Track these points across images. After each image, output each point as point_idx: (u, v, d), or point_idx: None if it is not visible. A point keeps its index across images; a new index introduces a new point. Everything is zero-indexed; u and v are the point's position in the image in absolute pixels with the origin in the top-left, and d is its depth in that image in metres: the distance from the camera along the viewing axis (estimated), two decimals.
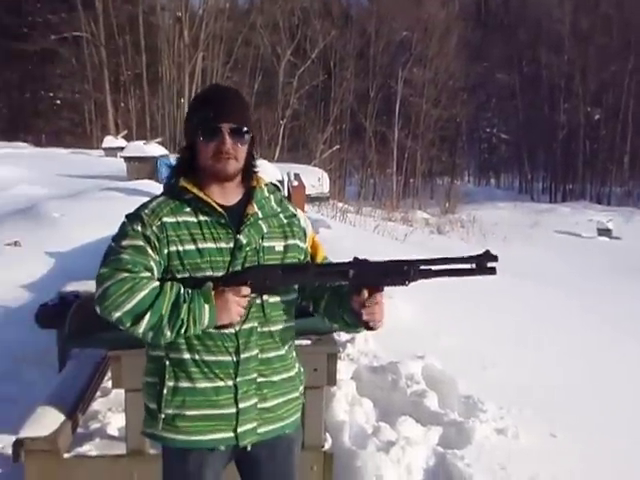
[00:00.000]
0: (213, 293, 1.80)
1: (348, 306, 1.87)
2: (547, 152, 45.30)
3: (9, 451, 2.96)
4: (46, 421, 2.96)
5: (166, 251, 1.84)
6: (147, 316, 1.75)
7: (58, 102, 37.43)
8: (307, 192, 12.43)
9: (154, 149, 17.25)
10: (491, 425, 3.70)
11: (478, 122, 49.60)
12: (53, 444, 2.88)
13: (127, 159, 16.70)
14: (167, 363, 1.88)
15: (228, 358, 1.86)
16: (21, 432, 2.91)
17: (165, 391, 1.87)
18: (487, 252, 1.76)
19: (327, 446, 3.35)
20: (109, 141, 23.79)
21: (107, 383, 3.77)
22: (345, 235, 9.76)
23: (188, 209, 1.88)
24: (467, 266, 1.75)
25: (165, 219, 1.85)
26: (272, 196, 2.01)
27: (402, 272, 1.77)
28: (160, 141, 19.48)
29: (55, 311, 3.96)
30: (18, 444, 2.86)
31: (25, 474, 2.91)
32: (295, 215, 2.05)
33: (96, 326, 3.16)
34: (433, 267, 1.78)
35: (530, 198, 41.39)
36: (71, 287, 4.39)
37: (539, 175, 47.82)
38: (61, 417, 3.01)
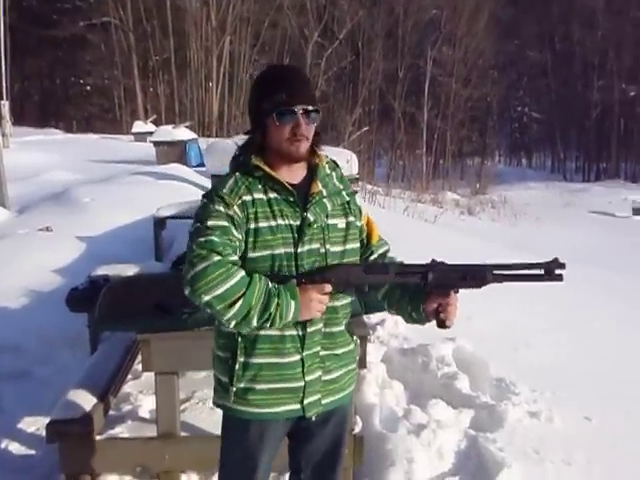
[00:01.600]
0: (298, 289, 1.83)
1: (420, 304, 1.93)
2: (580, 131, 44.51)
3: (43, 433, 3.01)
4: (78, 403, 2.99)
5: (246, 228, 1.87)
6: (238, 304, 1.77)
7: (88, 88, 37.78)
8: None
9: (183, 133, 17.32)
10: (524, 408, 3.65)
11: (509, 101, 48.86)
12: (86, 426, 2.91)
13: (156, 143, 16.80)
14: (239, 339, 1.91)
15: (294, 332, 1.91)
16: (54, 414, 2.95)
17: (237, 366, 1.92)
18: (555, 259, 1.83)
19: (357, 429, 3.33)
20: (138, 126, 23.96)
21: (138, 366, 3.80)
22: (375, 217, 9.69)
23: (259, 186, 1.91)
24: (536, 272, 1.83)
25: (245, 197, 1.88)
26: (334, 173, 2.03)
27: (480, 277, 1.86)
28: (189, 125, 19.54)
29: (85, 295, 3.99)
30: (51, 426, 2.90)
31: (59, 455, 2.95)
32: (356, 192, 2.09)
33: (125, 310, 3.19)
34: (505, 272, 1.86)
35: (563, 178, 40.81)
36: (101, 271, 4.42)
37: (572, 154, 47.06)
38: (93, 400, 3.04)
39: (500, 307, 5.27)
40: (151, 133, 19.23)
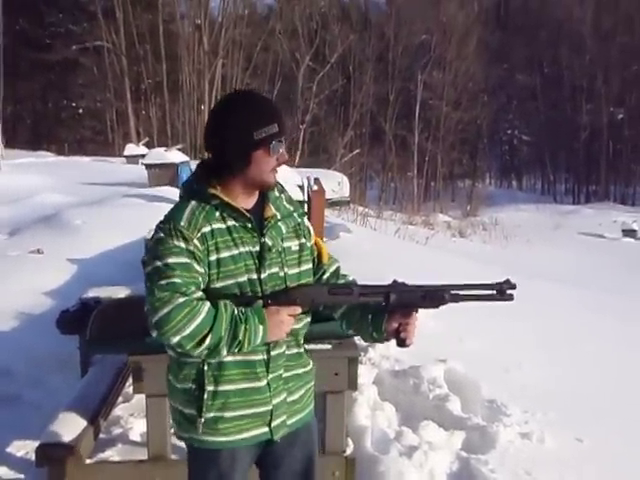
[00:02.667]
0: (265, 312, 1.85)
1: (381, 323, 1.96)
2: (569, 153, 44.86)
3: (32, 457, 2.98)
4: (68, 427, 2.98)
5: (207, 261, 1.85)
6: (207, 339, 1.78)
7: (80, 111, 37.86)
8: (327, 197, 12.35)
9: (175, 156, 17.34)
10: (515, 429, 3.64)
11: (499, 124, 49.27)
12: (75, 450, 2.89)
13: (148, 166, 16.80)
14: (205, 368, 1.89)
15: (260, 357, 1.91)
16: (44, 438, 2.93)
17: (206, 396, 1.89)
18: (507, 280, 1.93)
19: (349, 451, 3.32)
20: (130, 149, 23.99)
21: (129, 389, 3.78)
22: (366, 239, 9.73)
23: (217, 215, 1.89)
24: (490, 292, 1.92)
25: (204, 229, 1.85)
26: (282, 195, 2.03)
27: (438, 297, 1.92)
28: (181, 148, 19.57)
29: (76, 317, 3.97)
30: (41, 450, 2.88)
31: (48, 479, 2.92)
32: (305, 214, 2.11)
33: (117, 332, 3.18)
34: (461, 292, 1.93)
35: (553, 200, 41.02)
36: (92, 293, 4.41)
37: (562, 177, 47.39)
38: (83, 423, 3.03)
39: (491, 328, 5.28)
40: (143, 156, 19.24)
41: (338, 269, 2.13)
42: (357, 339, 3.63)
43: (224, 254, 1.86)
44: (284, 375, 1.97)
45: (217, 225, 1.87)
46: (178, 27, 33.92)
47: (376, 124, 37.27)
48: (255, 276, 1.89)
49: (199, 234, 1.84)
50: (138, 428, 3.75)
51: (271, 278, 1.92)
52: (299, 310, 1.90)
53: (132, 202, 11.34)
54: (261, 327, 1.82)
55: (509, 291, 1.91)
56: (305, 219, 2.10)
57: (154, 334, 1.79)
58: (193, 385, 1.91)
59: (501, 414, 3.81)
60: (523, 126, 50.11)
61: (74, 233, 8.80)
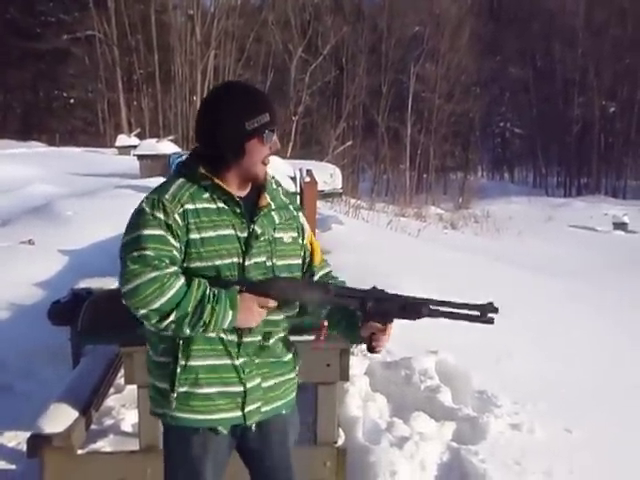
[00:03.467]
0: (238, 297, 1.83)
1: (355, 325, 1.95)
2: (561, 146, 44.97)
3: (24, 447, 2.98)
4: (60, 417, 2.97)
5: (186, 238, 1.85)
6: (172, 314, 1.78)
7: (71, 101, 37.64)
8: (319, 188, 12.36)
9: (167, 147, 17.31)
10: (506, 420, 3.68)
11: (491, 117, 49.33)
12: (67, 440, 2.89)
13: (140, 157, 16.78)
14: (180, 342, 1.89)
15: (232, 338, 1.90)
16: (35, 428, 2.92)
17: (179, 370, 1.89)
18: (490, 303, 1.88)
19: (340, 442, 3.33)
20: (122, 139, 23.91)
21: (120, 379, 3.79)
22: (358, 231, 9.74)
23: (206, 195, 1.89)
24: (471, 312, 1.87)
25: (187, 205, 1.86)
26: (279, 188, 2.05)
27: (416, 310, 1.87)
28: (173, 139, 19.55)
29: (67, 308, 3.97)
30: (32, 440, 2.88)
31: (40, 470, 2.92)
32: (300, 209, 2.11)
33: (108, 323, 3.18)
34: (442, 308, 1.87)
35: (544, 193, 41.12)
36: (84, 284, 4.42)
37: (553, 169, 47.50)
38: (75, 413, 3.02)
39: None
40: (135, 147, 19.20)
41: (329, 273, 2.13)
42: None
43: (208, 233, 1.86)
44: (256, 361, 1.95)
45: (204, 205, 1.88)
46: (170, 17, 33.67)
47: (369, 116, 37.22)
48: (239, 260, 1.88)
49: (181, 209, 1.84)
50: (130, 419, 3.76)
51: (257, 267, 1.91)
52: (272, 303, 1.88)
53: (124, 193, 11.30)
54: (230, 312, 1.81)
55: (490, 314, 1.87)
56: (301, 215, 2.10)
57: (125, 302, 1.81)
58: (169, 358, 1.91)
59: (492, 405, 3.84)
60: (515, 119, 50.20)
61: (65, 224, 8.77)
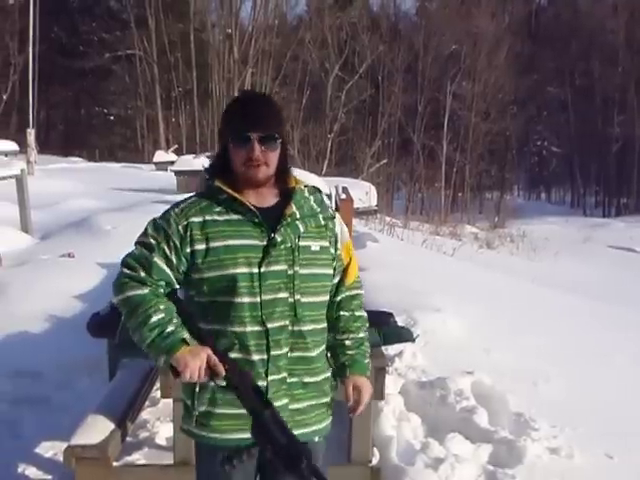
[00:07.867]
0: (183, 348, 1.79)
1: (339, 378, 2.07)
2: (600, 166, 44.29)
3: (60, 457, 3.01)
4: (96, 429, 2.99)
5: (189, 250, 1.89)
6: (138, 333, 1.88)
7: (111, 118, 38.48)
8: (355, 206, 12.41)
9: (203, 163, 17.50)
10: (543, 444, 3.59)
11: (528, 135, 48.81)
12: (103, 452, 2.91)
13: (177, 173, 17.01)
14: None
15: (258, 357, 1.87)
16: (72, 440, 2.95)
17: (197, 389, 1.90)
18: None
19: (374, 461, 3.30)
20: (160, 155, 24.32)
21: (156, 393, 3.81)
22: (393, 249, 9.71)
23: (218, 208, 1.92)
24: None
25: (192, 219, 1.90)
26: (312, 197, 2.02)
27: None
28: (209, 155, 19.73)
29: (106, 321, 4.00)
30: (69, 451, 2.90)
31: None
32: (334, 218, 2.06)
33: None
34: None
35: (582, 213, 40.50)
36: None
37: (592, 189, 46.76)
38: (111, 426, 3.04)
39: (518, 341, 5.23)
40: (172, 162, 19.50)
41: (356, 297, 2.10)
42: (384, 348, 3.63)
43: (216, 244, 1.88)
44: (289, 380, 1.90)
45: (213, 217, 1.91)
46: (209, 36, 34.28)
47: (404, 134, 37.15)
48: (256, 270, 1.87)
49: (185, 222, 1.90)
50: (164, 432, 3.77)
51: (275, 275, 1.88)
52: (222, 373, 1.77)
53: (161, 208, 11.35)
54: (163, 357, 1.82)
55: None
56: (337, 223, 2.07)
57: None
58: None
59: (529, 428, 3.76)
60: (553, 138, 49.61)
61: (104, 238, 8.92)
